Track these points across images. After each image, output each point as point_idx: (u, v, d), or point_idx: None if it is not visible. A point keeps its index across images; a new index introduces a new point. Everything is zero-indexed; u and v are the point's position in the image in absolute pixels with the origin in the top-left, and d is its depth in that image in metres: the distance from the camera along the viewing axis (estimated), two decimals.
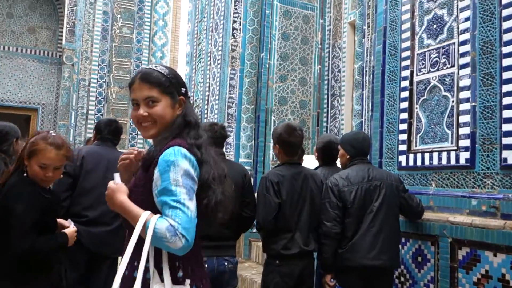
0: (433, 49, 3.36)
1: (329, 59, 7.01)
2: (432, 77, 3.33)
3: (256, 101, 6.71)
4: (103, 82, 9.56)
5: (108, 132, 3.60)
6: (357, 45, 4.61)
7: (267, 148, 6.71)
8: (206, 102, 7.89)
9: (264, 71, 6.71)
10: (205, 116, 7.88)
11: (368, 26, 4.22)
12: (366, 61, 4.25)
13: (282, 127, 2.96)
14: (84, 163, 3.29)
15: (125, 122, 9.66)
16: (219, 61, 7.39)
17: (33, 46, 10.34)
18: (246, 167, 6.78)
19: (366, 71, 4.29)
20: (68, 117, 9.33)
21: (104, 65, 9.58)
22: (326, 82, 7.00)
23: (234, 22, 6.82)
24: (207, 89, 7.89)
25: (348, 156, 2.79)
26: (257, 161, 6.68)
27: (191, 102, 6.23)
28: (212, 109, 7.57)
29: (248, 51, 6.68)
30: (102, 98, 9.54)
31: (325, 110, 6.97)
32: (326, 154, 3.26)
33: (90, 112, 9.43)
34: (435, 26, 3.36)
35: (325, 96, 6.99)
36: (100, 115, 9.51)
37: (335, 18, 6.95)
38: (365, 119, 4.32)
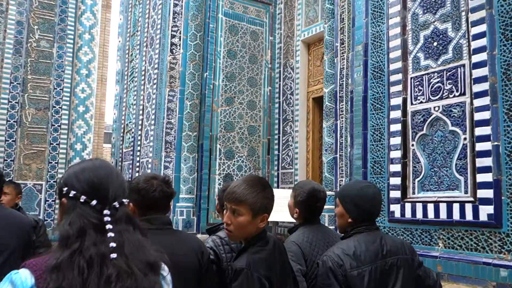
0: (433, 72, 2.69)
1: (280, 80, 6.30)
2: (434, 107, 2.65)
3: (199, 127, 5.84)
4: (15, 102, 8.24)
5: None
6: (327, 65, 3.90)
7: (212, 181, 5.83)
8: (139, 128, 6.89)
9: (208, 93, 5.87)
10: (139, 143, 6.87)
11: (342, 43, 3.51)
12: (340, 85, 3.53)
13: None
14: None
15: (43, 149, 8.38)
16: (155, 81, 6.45)
17: None
18: (188, 204, 5.87)
19: (340, 96, 3.57)
20: None
21: (18, 83, 8.27)
22: (277, 105, 6.28)
23: (173, 36, 5.94)
24: (140, 112, 6.91)
25: (349, 220, 2.00)
26: (201, 196, 5.78)
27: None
28: (147, 135, 6.60)
29: (190, 69, 5.81)
30: (14, 121, 8.20)
31: (276, 137, 6.22)
32: (310, 209, 2.46)
33: None
34: (435, 43, 2.70)
35: (276, 121, 6.25)
36: (12, 141, 8.16)
37: (286, 35, 6.27)
38: (340, 155, 3.58)
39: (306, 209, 2.47)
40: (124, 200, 1.25)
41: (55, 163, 8.49)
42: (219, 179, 5.87)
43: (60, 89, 8.59)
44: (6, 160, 8.10)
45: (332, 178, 3.86)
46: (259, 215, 1.81)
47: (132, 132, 7.16)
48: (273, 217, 5.30)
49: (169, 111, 5.92)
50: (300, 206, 2.47)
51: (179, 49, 5.93)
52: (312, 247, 2.25)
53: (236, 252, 2.07)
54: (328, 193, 4.01)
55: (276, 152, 6.16)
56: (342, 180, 3.59)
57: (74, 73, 8.78)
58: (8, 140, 8.13)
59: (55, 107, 8.53)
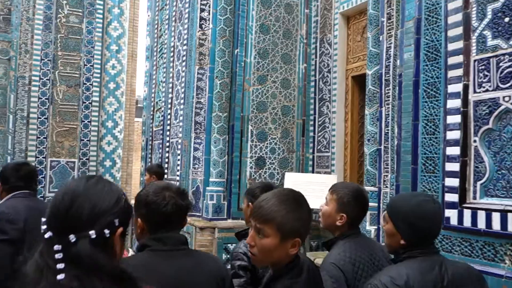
0: (503, 55, 2.24)
1: (316, 57, 5.85)
2: (504, 97, 2.21)
3: (230, 108, 5.51)
4: (47, 80, 8.12)
5: (17, 179, 2.80)
6: (371, 43, 3.46)
7: (243, 165, 5.53)
8: (169, 106, 6.63)
9: (239, 71, 5.51)
10: (168, 123, 6.63)
11: (389, 18, 3.06)
12: (386, 66, 3.10)
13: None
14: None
15: (75, 126, 8.28)
16: (184, 58, 6.13)
17: None
18: (218, 188, 5.58)
19: (386, 80, 3.14)
20: (6, 121, 7.87)
21: (48, 60, 8.14)
22: (313, 84, 5.85)
23: (202, 10, 5.57)
24: (170, 90, 6.63)
25: (402, 242, 1.63)
26: (231, 180, 5.50)
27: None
28: (176, 114, 6.33)
29: (220, 46, 5.44)
30: (46, 98, 8.11)
31: (311, 118, 5.82)
32: (359, 214, 2.05)
33: (31, 115, 7.99)
34: (507, 19, 2.24)
35: (312, 101, 5.84)
36: (44, 118, 8.09)
37: (323, 7, 5.78)
38: (385, 147, 3.18)
39: (354, 214, 2.06)
40: (92, 232, 0.94)
41: (87, 140, 8.40)
42: (250, 162, 5.56)
43: (91, 66, 8.42)
44: (39, 138, 8.05)
45: (375, 172, 3.47)
46: (290, 239, 1.46)
47: (162, 111, 6.91)
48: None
49: (198, 90, 5.60)
50: (348, 209, 2.04)
51: (209, 24, 5.56)
52: (355, 269, 1.88)
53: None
54: (370, 189, 3.63)
55: (311, 134, 5.77)
56: (387, 176, 3.19)
57: (104, 49, 8.58)
58: (40, 118, 8.06)
59: (85, 84, 8.38)
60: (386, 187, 3.28)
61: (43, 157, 8.07)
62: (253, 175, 5.59)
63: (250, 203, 2.40)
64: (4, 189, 2.76)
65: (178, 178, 6.08)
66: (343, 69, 5.52)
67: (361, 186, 2.23)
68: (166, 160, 6.59)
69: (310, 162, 5.75)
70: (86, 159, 8.36)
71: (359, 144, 5.37)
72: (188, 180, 5.71)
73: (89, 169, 8.34)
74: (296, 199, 1.54)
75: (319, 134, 5.70)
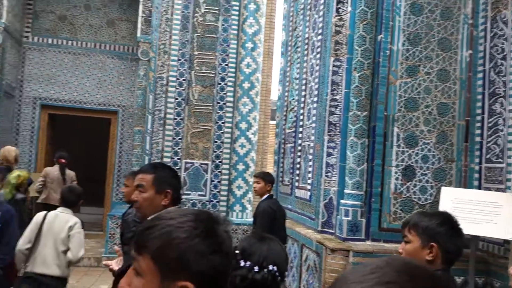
0: None
1: (485, 41, 4.57)
2: None
3: (371, 106, 4.56)
4: (183, 80, 8.04)
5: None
6: None
7: (386, 175, 4.53)
8: (302, 105, 5.91)
9: (383, 61, 4.53)
10: (301, 124, 5.91)
11: None
12: None
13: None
14: None
15: (209, 127, 8.06)
16: (318, 49, 5.35)
17: (112, 41, 9.16)
18: (354, 202, 4.64)
19: None
20: (145, 121, 7.96)
21: (185, 60, 8.05)
22: (480, 75, 4.58)
23: None
24: (303, 87, 5.91)
25: None
26: (371, 193, 4.54)
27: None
28: (309, 114, 5.58)
29: (359, 32, 4.53)
30: (182, 99, 8.02)
31: (478, 118, 4.56)
32: None
33: (168, 116, 7.97)
34: None
35: (479, 97, 4.57)
36: (180, 119, 8.01)
37: None
38: None
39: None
40: None
41: (221, 142, 8.13)
42: (396, 173, 4.55)
43: (225, 65, 8.13)
44: (175, 139, 8.00)
45: None
46: None
47: (295, 111, 6.23)
48: (473, 230, 3.73)
49: (333, 85, 4.77)
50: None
51: (347, 7, 4.69)
52: None
53: None
54: None
55: (477, 139, 4.51)
56: None
57: (240, 47, 8.23)
58: (176, 119, 8.01)
59: (220, 83, 8.12)
60: None
61: (178, 159, 7.99)
62: (399, 188, 4.56)
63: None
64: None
65: (309, 187, 5.32)
66: None
67: None
68: (298, 165, 5.89)
69: (476, 175, 4.50)
70: (219, 161, 8.09)
71: None
72: (320, 190, 4.91)
73: (222, 172, 8.05)
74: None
75: (489, 139, 4.42)
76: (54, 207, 4.33)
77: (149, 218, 1.02)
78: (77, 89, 9.03)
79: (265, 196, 5.07)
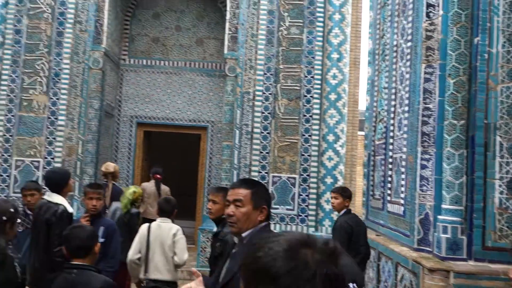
0: None
1: None
2: None
3: (469, 114, 4.23)
4: (269, 94, 8.09)
5: None
6: None
7: (489, 188, 4.16)
8: (392, 116, 5.67)
9: (480, 66, 4.19)
10: (391, 135, 5.65)
11: None
12: None
13: None
14: None
15: (295, 140, 8.01)
16: (408, 57, 5.10)
17: (201, 59, 9.49)
18: (453, 218, 4.27)
19: None
20: (233, 136, 8.11)
21: (271, 74, 8.10)
22: None
23: None
24: (392, 96, 5.66)
25: None
26: (473, 208, 4.19)
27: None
28: (400, 125, 5.32)
29: (453, 36, 4.24)
30: (268, 113, 8.07)
31: None
32: None
33: (255, 130, 8.05)
34: None
35: None
36: (267, 133, 8.05)
37: None
38: None
39: None
40: None
41: (308, 155, 8.03)
42: (500, 186, 4.16)
43: (311, 77, 8.06)
44: (262, 153, 8.05)
45: None
46: None
47: (385, 121, 5.98)
48: None
49: (426, 94, 4.51)
50: None
51: (438, 10, 4.42)
52: None
53: None
54: None
55: None
56: None
57: (325, 58, 8.12)
58: (263, 132, 8.06)
59: (306, 96, 8.06)
60: None
61: (265, 172, 8.02)
62: (505, 203, 4.16)
63: None
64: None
65: (402, 201, 5.05)
66: None
67: None
68: (389, 179, 5.62)
69: None
70: (307, 175, 7.99)
71: None
72: (414, 205, 4.63)
73: (310, 186, 7.94)
74: None
75: None
76: (150, 221, 4.60)
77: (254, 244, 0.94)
78: (169, 107, 9.45)
79: (342, 211, 4.97)
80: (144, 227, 4.32)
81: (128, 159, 9.46)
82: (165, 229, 4.23)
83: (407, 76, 5.06)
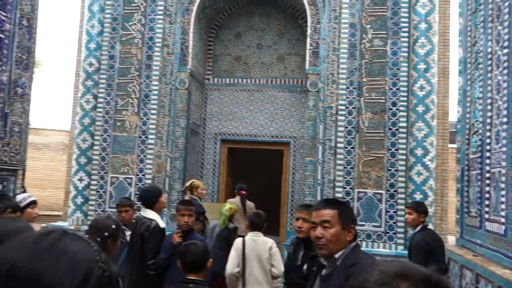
0: None
1: None
2: None
3: None
4: (352, 108, 7.93)
5: None
6: None
7: None
8: (488, 127, 5.30)
9: None
10: (488, 148, 5.28)
11: None
12: None
13: None
14: None
15: (381, 155, 7.76)
16: (505, 64, 4.75)
17: (282, 75, 9.57)
18: None
19: None
20: (316, 152, 8.04)
21: (354, 88, 7.95)
22: None
23: None
24: (488, 107, 5.30)
25: None
26: None
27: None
28: (497, 137, 4.95)
29: None
30: (352, 127, 7.91)
31: None
32: None
33: (338, 145, 7.92)
34: None
35: None
36: (351, 147, 7.88)
37: None
38: None
39: None
40: None
41: (395, 170, 7.74)
42: None
43: (396, 89, 7.80)
44: (346, 168, 7.88)
45: None
46: None
47: (479, 134, 5.61)
48: None
49: None
50: None
51: None
52: None
53: None
54: None
55: None
56: None
57: (411, 69, 7.83)
58: (347, 147, 7.91)
59: (391, 109, 7.79)
60: None
61: (350, 188, 7.83)
62: None
63: None
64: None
65: (503, 220, 4.68)
66: None
67: None
68: (487, 195, 5.24)
69: None
70: (394, 190, 7.68)
71: None
72: None
73: (398, 202, 7.62)
74: None
75: None
76: (238, 237, 4.75)
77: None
78: (252, 123, 9.61)
79: (418, 228, 4.72)
80: (238, 241, 4.49)
81: (213, 175, 9.71)
82: (260, 243, 4.41)
83: (505, 85, 4.71)
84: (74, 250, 0.63)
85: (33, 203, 3.84)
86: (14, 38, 4.81)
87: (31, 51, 5.17)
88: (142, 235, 3.97)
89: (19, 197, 3.86)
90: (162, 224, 4.16)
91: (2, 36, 4.62)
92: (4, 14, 4.65)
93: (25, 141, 5.03)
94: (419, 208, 4.83)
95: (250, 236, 4.52)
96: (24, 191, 5.77)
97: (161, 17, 8.61)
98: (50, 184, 17.01)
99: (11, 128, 4.74)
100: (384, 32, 7.90)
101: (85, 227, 8.38)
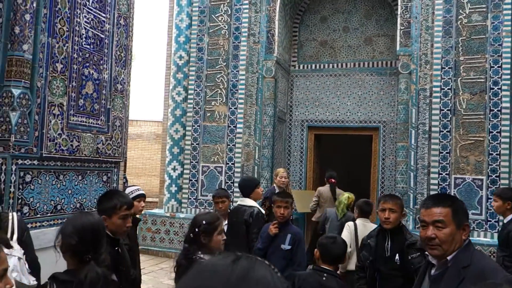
0: None
1: None
2: None
3: None
4: (448, 89, 7.48)
5: None
6: None
7: None
8: None
9: None
10: None
11: None
12: None
13: None
14: None
15: (481, 138, 7.26)
16: None
17: (370, 58, 9.21)
18: None
19: None
20: (408, 136, 7.69)
21: (449, 68, 7.48)
22: None
23: None
24: None
25: None
26: None
27: None
28: None
29: None
30: (448, 110, 7.47)
31: None
32: None
33: (433, 129, 7.52)
34: None
35: None
36: (447, 131, 7.46)
37: None
38: None
39: None
40: None
41: (496, 154, 7.21)
42: None
43: (498, 67, 7.24)
44: (442, 153, 7.49)
45: None
46: None
47: None
48: None
49: None
50: None
51: None
52: None
53: None
54: None
55: None
56: None
57: None
58: (442, 131, 7.50)
59: (493, 88, 7.26)
60: None
61: (446, 174, 7.43)
62: None
63: None
64: None
65: None
66: None
67: None
68: None
69: None
70: (496, 176, 7.17)
71: None
72: None
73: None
74: None
75: None
76: None
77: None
78: (339, 109, 9.41)
79: (509, 217, 4.30)
80: (351, 224, 4.85)
81: (300, 162, 9.67)
82: (369, 228, 4.48)
83: None
84: (266, 280, 0.66)
85: (141, 196, 4.03)
86: (113, 37, 5.07)
87: (128, 49, 5.42)
88: (246, 222, 4.16)
89: (128, 190, 4.08)
90: (262, 210, 4.38)
91: (102, 36, 4.88)
92: (103, 15, 4.90)
93: (125, 135, 5.31)
94: (504, 195, 4.43)
95: (361, 222, 4.84)
96: (126, 181, 6.13)
97: (247, 6, 8.66)
98: (144, 172, 18.01)
99: (113, 123, 5.02)
100: (484, 5, 7.32)
101: (180, 214, 8.78)
